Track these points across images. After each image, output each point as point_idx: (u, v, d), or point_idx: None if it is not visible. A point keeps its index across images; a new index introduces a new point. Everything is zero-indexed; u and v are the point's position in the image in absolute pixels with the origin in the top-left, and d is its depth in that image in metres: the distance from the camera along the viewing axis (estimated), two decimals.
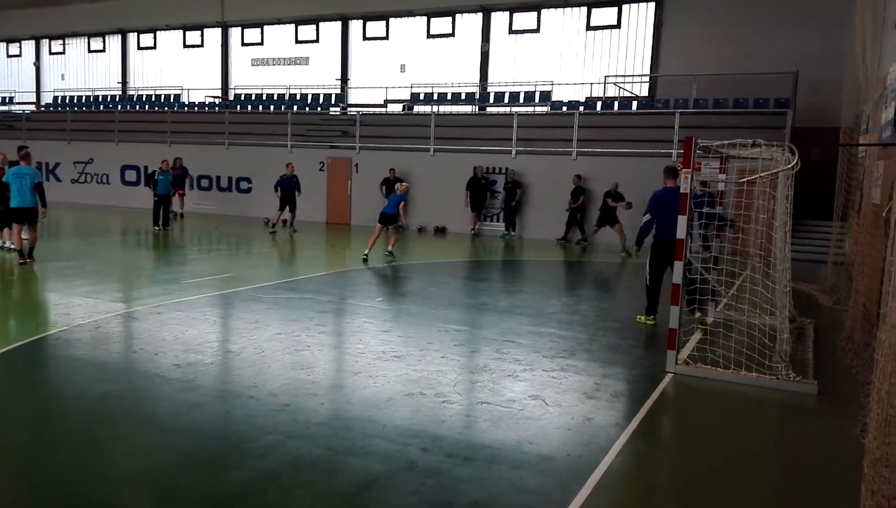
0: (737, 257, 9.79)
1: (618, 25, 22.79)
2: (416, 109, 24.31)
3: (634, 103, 21.58)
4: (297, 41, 28.28)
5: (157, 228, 18.39)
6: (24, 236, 12.39)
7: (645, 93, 22.52)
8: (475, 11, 24.69)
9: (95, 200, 26.18)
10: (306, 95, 26.64)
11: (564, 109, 21.65)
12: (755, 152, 7.81)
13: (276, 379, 6.29)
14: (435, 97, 24.16)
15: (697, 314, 8.91)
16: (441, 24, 25.46)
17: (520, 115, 20.73)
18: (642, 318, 9.17)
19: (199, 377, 6.28)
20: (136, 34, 31.87)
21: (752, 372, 6.70)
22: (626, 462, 4.87)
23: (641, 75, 22.54)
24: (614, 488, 4.49)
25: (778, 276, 7.53)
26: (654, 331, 8.69)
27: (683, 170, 6.93)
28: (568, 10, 23.48)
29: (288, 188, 19.10)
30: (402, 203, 14.28)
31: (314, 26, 27.81)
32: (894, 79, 9.04)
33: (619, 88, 22.35)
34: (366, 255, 13.77)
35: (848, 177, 13.32)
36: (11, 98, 33.64)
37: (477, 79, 24.83)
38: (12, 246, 13.41)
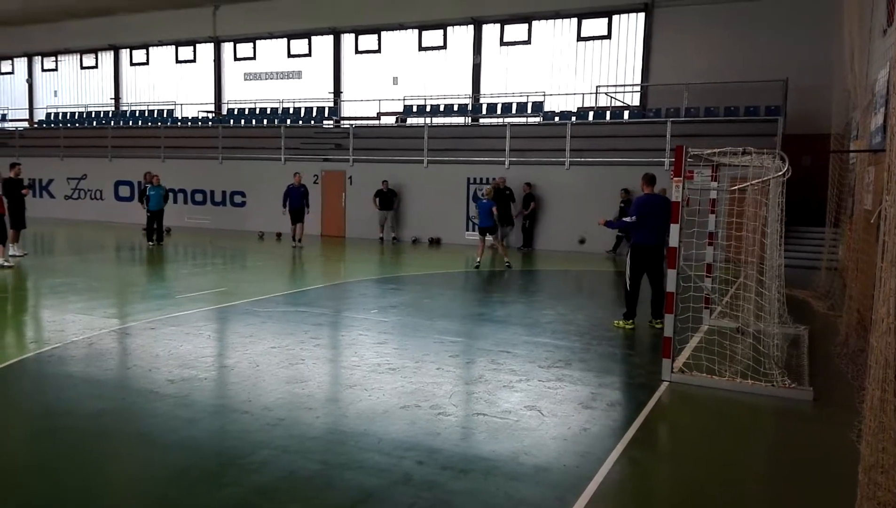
0: (729, 264, 9.82)
1: (608, 36, 22.95)
2: (409, 121, 24.40)
3: (626, 113, 21.71)
4: (289, 55, 28.38)
5: (150, 243, 18.24)
6: None
7: (636, 102, 22.65)
8: (466, 24, 24.83)
9: (89, 216, 26.13)
10: (299, 108, 26.72)
11: (556, 119, 21.77)
12: (746, 160, 7.86)
13: (271, 393, 6.27)
14: (428, 109, 24.25)
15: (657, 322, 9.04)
16: (433, 37, 25.59)
17: (512, 126, 20.80)
18: (620, 323, 9.25)
19: (193, 393, 6.25)
20: (128, 50, 31.94)
21: (747, 379, 6.70)
22: (623, 471, 4.86)
23: (633, 85, 22.68)
24: (611, 498, 4.48)
25: (769, 282, 7.55)
26: (650, 339, 8.70)
27: (675, 179, 6.96)
28: (559, 21, 23.63)
29: (296, 200, 18.52)
30: (494, 208, 14.82)
31: (306, 40, 27.92)
32: (882, 85, 9.11)
33: (611, 97, 22.48)
34: (478, 263, 15.19)
35: (839, 183, 13.40)
36: (4, 115, 33.69)
37: (469, 91, 24.94)
38: (5, 263, 13.40)
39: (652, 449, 5.50)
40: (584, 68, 23.42)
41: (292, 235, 18.76)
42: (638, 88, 22.63)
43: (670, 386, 6.75)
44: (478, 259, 15.33)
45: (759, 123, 18.63)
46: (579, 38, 23.41)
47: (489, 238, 15.55)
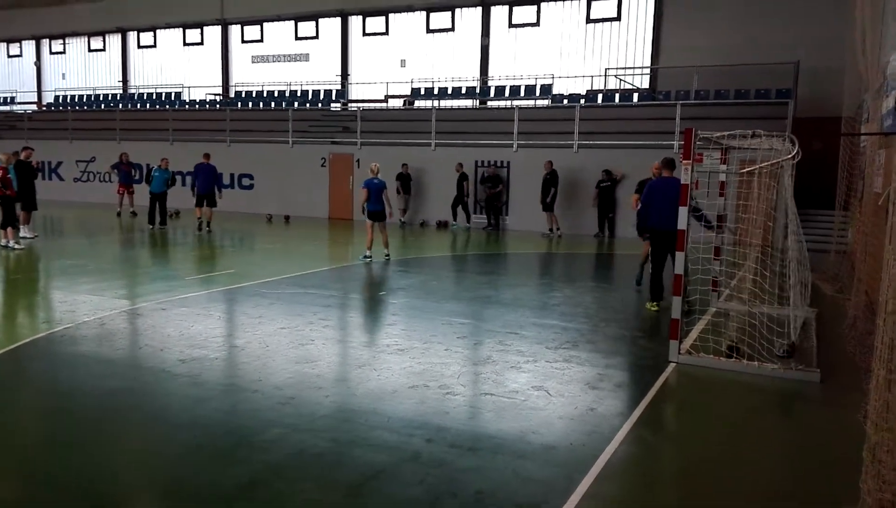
0: (738, 246, 9.82)
1: (618, 18, 22.75)
2: (417, 103, 24.31)
3: (635, 95, 21.58)
4: (296, 38, 28.28)
5: (150, 226, 17.71)
6: None
7: (646, 85, 22.49)
8: (475, 6, 24.65)
9: (98, 198, 26.15)
10: (307, 91, 26.66)
11: (565, 102, 21.65)
12: (756, 143, 7.84)
13: (281, 373, 6.33)
14: (435, 92, 24.15)
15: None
16: (441, 19, 25.45)
17: (521, 108, 20.71)
18: (648, 304, 9.33)
19: (204, 372, 6.32)
20: (135, 33, 31.88)
21: (754, 361, 6.72)
22: (630, 450, 4.90)
23: (642, 67, 22.52)
24: (618, 476, 4.53)
25: (792, 267, 7.51)
26: (658, 321, 8.72)
27: (684, 161, 6.95)
28: (567, 2, 23.43)
29: (207, 180, 17.30)
30: (385, 191, 13.02)
31: (314, 22, 27.80)
32: (895, 68, 9.03)
33: (620, 80, 22.33)
34: (369, 256, 13.05)
35: (850, 166, 13.32)
36: (13, 98, 33.72)
37: (477, 73, 24.81)
38: (15, 245, 13.50)
39: (658, 429, 5.54)
40: (593, 51, 23.25)
41: (197, 217, 17.23)
42: (647, 71, 22.46)
43: (677, 368, 6.78)
44: (367, 252, 13.02)
45: (769, 105, 18.48)
46: (588, 20, 23.22)
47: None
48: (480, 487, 4.23)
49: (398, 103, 24.99)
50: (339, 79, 27.12)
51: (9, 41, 35.44)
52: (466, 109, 23.81)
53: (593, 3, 23.03)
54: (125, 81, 32.19)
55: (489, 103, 23.91)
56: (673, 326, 6.94)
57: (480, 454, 4.70)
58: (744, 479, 4.56)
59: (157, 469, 4.55)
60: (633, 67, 22.59)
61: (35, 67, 34.85)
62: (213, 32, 29.95)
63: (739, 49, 19.85)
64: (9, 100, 33.65)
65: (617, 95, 21.62)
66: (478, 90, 24.18)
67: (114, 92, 31.35)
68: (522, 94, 22.98)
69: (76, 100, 31.17)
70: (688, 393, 6.40)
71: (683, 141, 7.05)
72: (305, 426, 5.11)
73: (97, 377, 6.24)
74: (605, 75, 22.34)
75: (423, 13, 25.60)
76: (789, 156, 7.33)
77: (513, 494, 4.18)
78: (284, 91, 26.99)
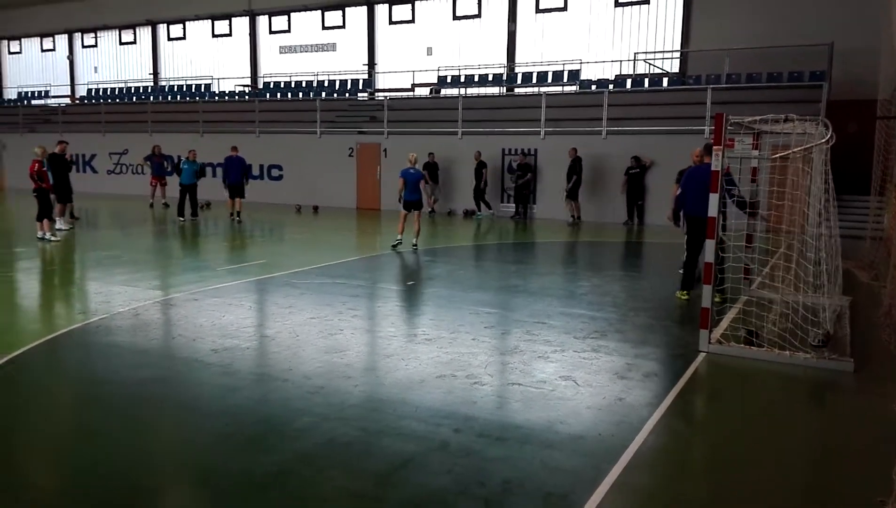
0: (770, 234, 9.67)
1: (647, 1, 22.42)
2: (444, 92, 24.26)
3: (665, 80, 21.28)
4: (323, 27, 28.39)
5: (181, 218, 17.64)
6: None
7: (676, 69, 22.17)
8: None
9: (131, 190, 26.58)
10: (334, 81, 26.77)
11: (593, 87, 21.44)
12: (788, 128, 7.69)
13: (311, 363, 6.40)
14: (462, 80, 24.08)
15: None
16: (467, 6, 25.32)
17: (548, 95, 20.55)
18: (678, 293, 9.26)
19: (235, 362, 6.41)
20: (165, 25, 32.27)
21: (785, 350, 6.62)
22: (659, 441, 4.87)
23: (672, 51, 22.18)
24: (647, 467, 4.50)
25: (826, 253, 7.37)
26: (688, 310, 8.63)
27: (715, 147, 6.85)
28: None
29: (236, 172, 18.03)
30: (422, 181, 13.55)
31: (340, 12, 27.87)
32: None
33: (650, 64, 22.03)
34: (399, 240, 13.27)
35: (886, 150, 13.00)
36: (47, 92, 34.38)
37: (504, 60, 24.67)
38: (52, 238, 13.78)
39: (688, 419, 5.50)
40: (621, 35, 22.97)
41: (230, 209, 17.93)
42: (677, 55, 22.12)
43: (707, 357, 6.71)
44: (398, 236, 13.34)
45: (803, 89, 18.11)
46: (617, 4, 22.93)
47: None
48: (508, 476, 4.25)
49: (425, 92, 24.96)
50: (366, 68, 27.16)
51: (42, 36, 36.10)
52: (493, 96, 23.69)
53: None
54: (156, 73, 32.62)
55: (516, 90, 23.76)
56: (703, 315, 6.86)
57: (508, 443, 4.71)
58: (774, 470, 4.51)
59: (189, 457, 4.64)
60: (663, 51, 22.27)
61: (68, 61, 35.45)
62: (241, 23, 30.19)
63: (771, 31, 19.45)
64: (43, 94, 34.31)
65: (646, 80, 21.36)
66: (505, 77, 24.03)
67: (145, 84, 31.77)
68: (550, 80, 22.82)
69: (108, 93, 31.66)
70: (718, 383, 6.33)
71: (714, 126, 6.94)
72: (335, 416, 5.16)
73: (131, 366, 6.36)
74: (634, 60, 22.07)
75: (450, 0, 25.48)
76: (823, 141, 7.18)
77: (541, 484, 4.18)
78: (312, 81, 27.14)
